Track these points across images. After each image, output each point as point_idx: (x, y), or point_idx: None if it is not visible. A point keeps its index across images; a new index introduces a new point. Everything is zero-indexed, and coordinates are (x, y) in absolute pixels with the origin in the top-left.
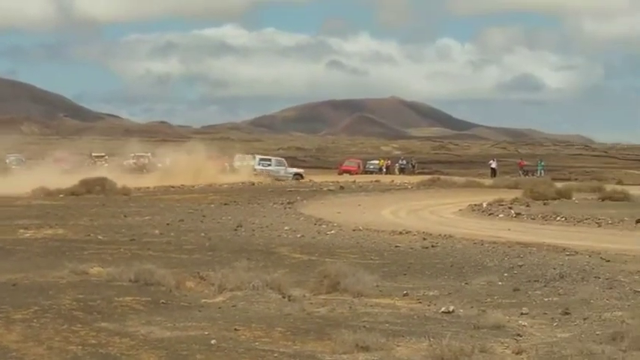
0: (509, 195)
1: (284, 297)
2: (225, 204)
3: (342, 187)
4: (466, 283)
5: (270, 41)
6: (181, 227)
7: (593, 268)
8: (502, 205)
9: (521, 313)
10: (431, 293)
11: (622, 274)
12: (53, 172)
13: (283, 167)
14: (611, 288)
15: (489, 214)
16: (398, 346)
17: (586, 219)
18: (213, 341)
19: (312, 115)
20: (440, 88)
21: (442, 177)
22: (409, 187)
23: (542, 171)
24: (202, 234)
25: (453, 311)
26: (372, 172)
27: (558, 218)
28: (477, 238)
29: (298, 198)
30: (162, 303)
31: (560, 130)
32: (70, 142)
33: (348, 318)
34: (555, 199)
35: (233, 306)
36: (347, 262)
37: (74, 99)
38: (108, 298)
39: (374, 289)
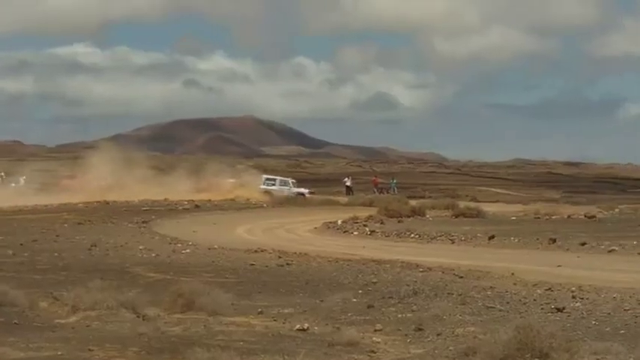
0: (364, 213)
1: (138, 316)
2: (80, 223)
3: (197, 206)
4: (321, 301)
5: (123, 60)
6: (35, 247)
7: (446, 285)
8: (357, 222)
9: (375, 330)
10: (286, 311)
11: (475, 290)
12: None
13: (287, 187)
14: (463, 304)
15: (344, 232)
16: None
17: (440, 236)
18: None
19: (167, 134)
20: (295, 107)
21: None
22: (265, 205)
23: (395, 188)
24: (56, 254)
25: (307, 329)
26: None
27: (412, 235)
28: (331, 255)
29: (153, 217)
30: (16, 323)
31: (415, 148)
32: None
33: (202, 337)
34: (409, 216)
35: (87, 326)
36: (202, 281)
37: None
38: None
39: (229, 307)
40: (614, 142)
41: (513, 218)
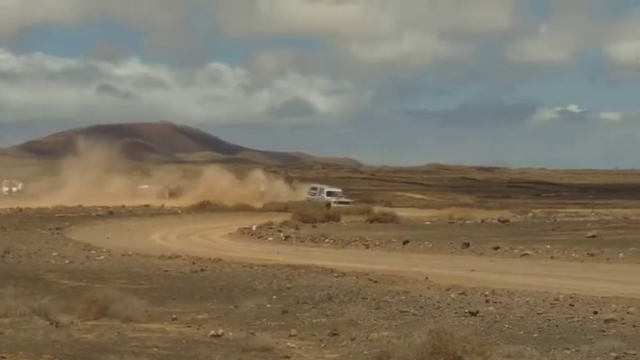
0: (278, 218)
1: (52, 323)
2: None
3: (111, 213)
4: (235, 307)
5: (39, 66)
6: None
7: (360, 289)
8: (272, 228)
9: (290, 335)
10: (200, 317)
11: (389, 294)
12: None
13: (332, 196)
14: (378, 308)
15: (259, 237)
16: None
17: (354, 241)
18: None
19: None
20: (211, 113)
21: (212, 201)
22: (179, 211)
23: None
24: None
25: (222, 334)
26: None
27: (327, 240)
28: (246, 261)
29: (67, 224)
30: None
31: (330, 154)
32: None
33: (116, 343)
34: (324, 221)
35: (0, 333)
36: (116, 288)
37: None
38: None
39: (143, 314)
40: (529, 147)
41: (427, 223)
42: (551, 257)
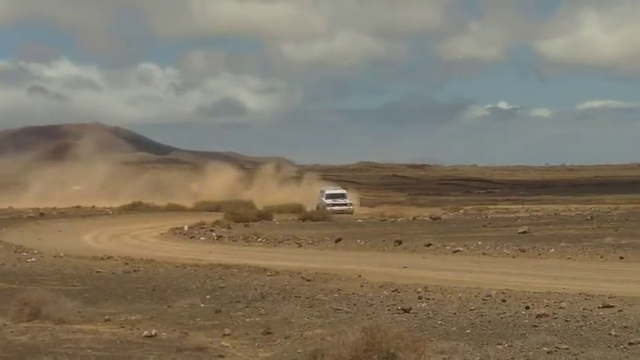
0: (210, 218)
1: None
2: None
3: (42, 214)
4: (168, 307)
5: None
6: None
7: (294, 288)
8: (203, 228)
9: (224, 334)
10: (133, 317)
11: (322, 292)
12: None
13: (334, 199)
14: (311, 306)
15: (191, 237)
16: None
17: (287, 239)
18: None
19: (12, 143)
20: (142, 113)
21: (143, 201)
22: (110, 212)
23: None
24: None
25: (155, 335)
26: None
27: (259, 239)
28: (178, 261)
29: None
30: None
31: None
32: None
33: (49, 345)
34: (256, 220)
35: None
36: (48, 289)
37: None
38: None
39: (76, 315)
40: (460, 144)
41: (359, 221)
42: (483, 253)
